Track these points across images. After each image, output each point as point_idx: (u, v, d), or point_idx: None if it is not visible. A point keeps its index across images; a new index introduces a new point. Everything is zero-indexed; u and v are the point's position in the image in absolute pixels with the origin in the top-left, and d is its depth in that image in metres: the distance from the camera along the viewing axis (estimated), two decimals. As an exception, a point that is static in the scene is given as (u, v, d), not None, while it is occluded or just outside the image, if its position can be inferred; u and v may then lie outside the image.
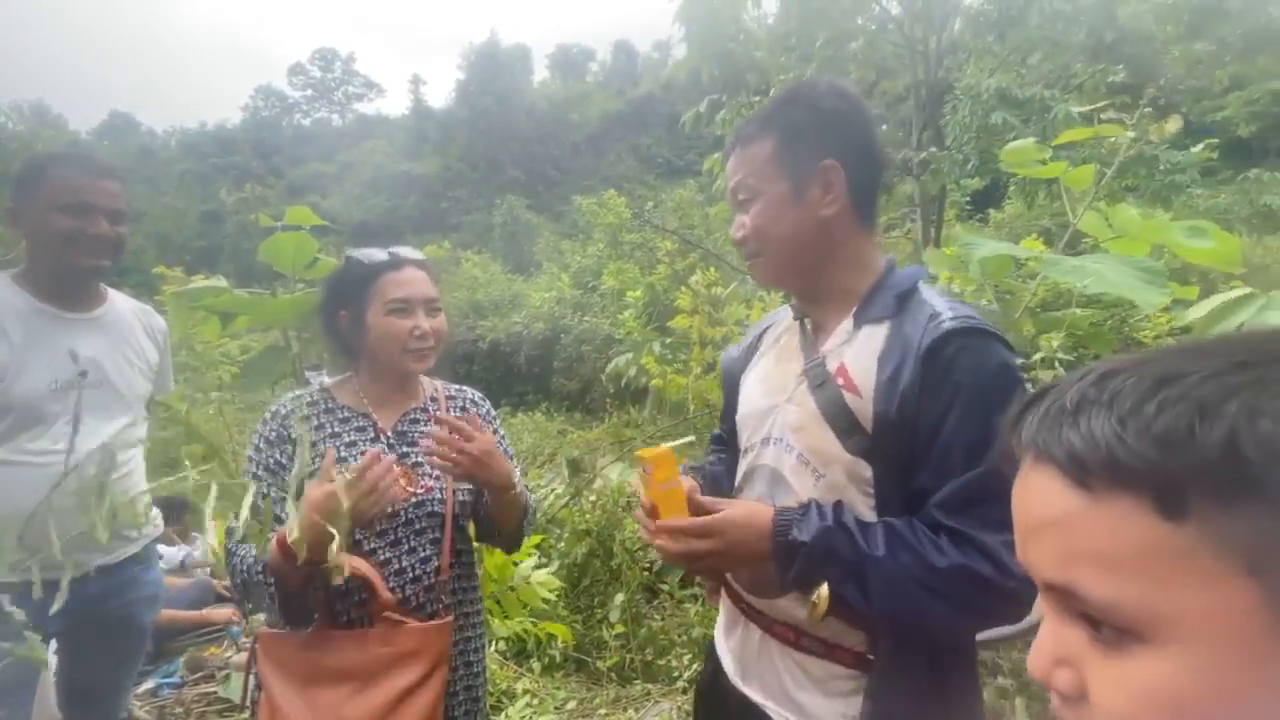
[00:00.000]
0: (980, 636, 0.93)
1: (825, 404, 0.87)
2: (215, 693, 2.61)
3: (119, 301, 1.65)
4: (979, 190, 10.65)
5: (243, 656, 2.78)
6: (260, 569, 1.08)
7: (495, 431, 1.36)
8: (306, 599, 1.10)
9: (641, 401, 6.86)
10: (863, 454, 0.85)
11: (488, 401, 1.41)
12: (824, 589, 0.81)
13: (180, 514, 3.59)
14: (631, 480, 4.09)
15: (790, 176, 0.89)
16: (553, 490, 3.88)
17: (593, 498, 3.56)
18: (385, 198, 36.71)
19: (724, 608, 1.07)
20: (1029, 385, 0.89)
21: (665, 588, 3.45)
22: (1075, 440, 0.33)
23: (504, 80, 39.71)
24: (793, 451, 0.91)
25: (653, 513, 0.89)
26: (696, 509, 0.88)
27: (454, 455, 1.13)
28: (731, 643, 1.02)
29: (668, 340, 4.68)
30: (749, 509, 0.86)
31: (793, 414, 0.92)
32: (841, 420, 0.85)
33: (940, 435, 0.80)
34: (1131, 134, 1.99)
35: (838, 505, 0.84)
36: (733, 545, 0.84)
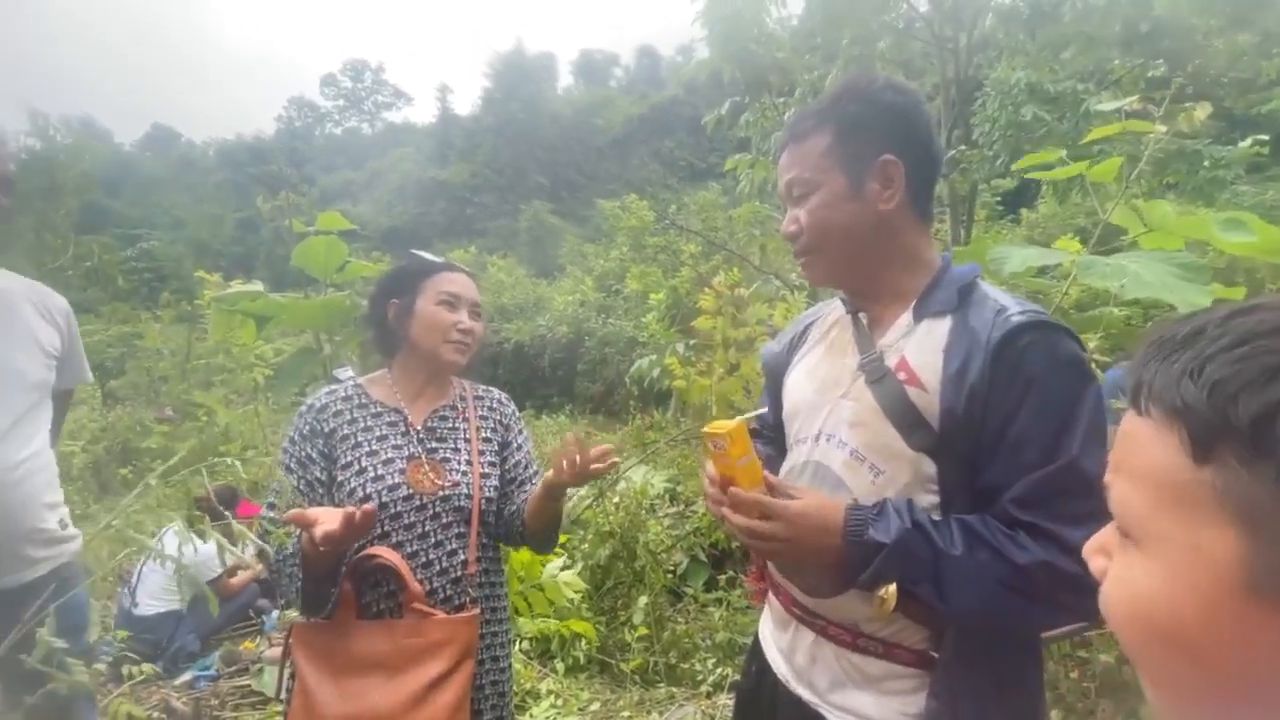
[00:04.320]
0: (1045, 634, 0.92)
1: (886, 399, 0.86)
2: (249, 685, 2.68)
3: (2, 281, 1.43)
4: (1010, 190, 10.41)
5: (276, 650, 2.85)
6: (290, 553, 1.12)
7: (520, 433, 1.39)
8: (327, 587, 1.13)
9: (664, 404, 6.86)
10: (927, 450, 0.83)
11: (512, 403, 1.44)
12: (891, 586, 0.80)
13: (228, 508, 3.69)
14: (654, 481, 4.08)
15: (848, 171, 0.88)
16: (576, 492, 3.90)
17: (616, 499, 3.57)
18: (413, 204, 37.36)
19: (771, 608, 1.05)
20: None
21: (689, 591, 3.44)
22: (1155, 372, 0.37)
23: (529, 87, 40.14)
24: (845, 448, 0.90)
25: (725, 487, 0.88)
26: (768, 487, 0.87)
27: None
28: (781, 644, 1.00)
29: (691, 342, 4.67)
30: (820, 502, 0.85)
31: (848, 409, 0.91)
32: (904, 415, 0.84)
33: (1011, 430, 0.79)
34: (1162, 127, 1.94)
35: (910, 503, 0.83)
36: (800, 536, 0.82)
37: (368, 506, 1.04)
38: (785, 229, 0.95)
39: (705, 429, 0.89)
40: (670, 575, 3.41)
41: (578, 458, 1.12)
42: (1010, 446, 0.79)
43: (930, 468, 0.83)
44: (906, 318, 0.90)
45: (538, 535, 1.32)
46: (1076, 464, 0.76)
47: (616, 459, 1.18)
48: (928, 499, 0.84)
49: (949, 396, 0.81)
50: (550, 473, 1.18)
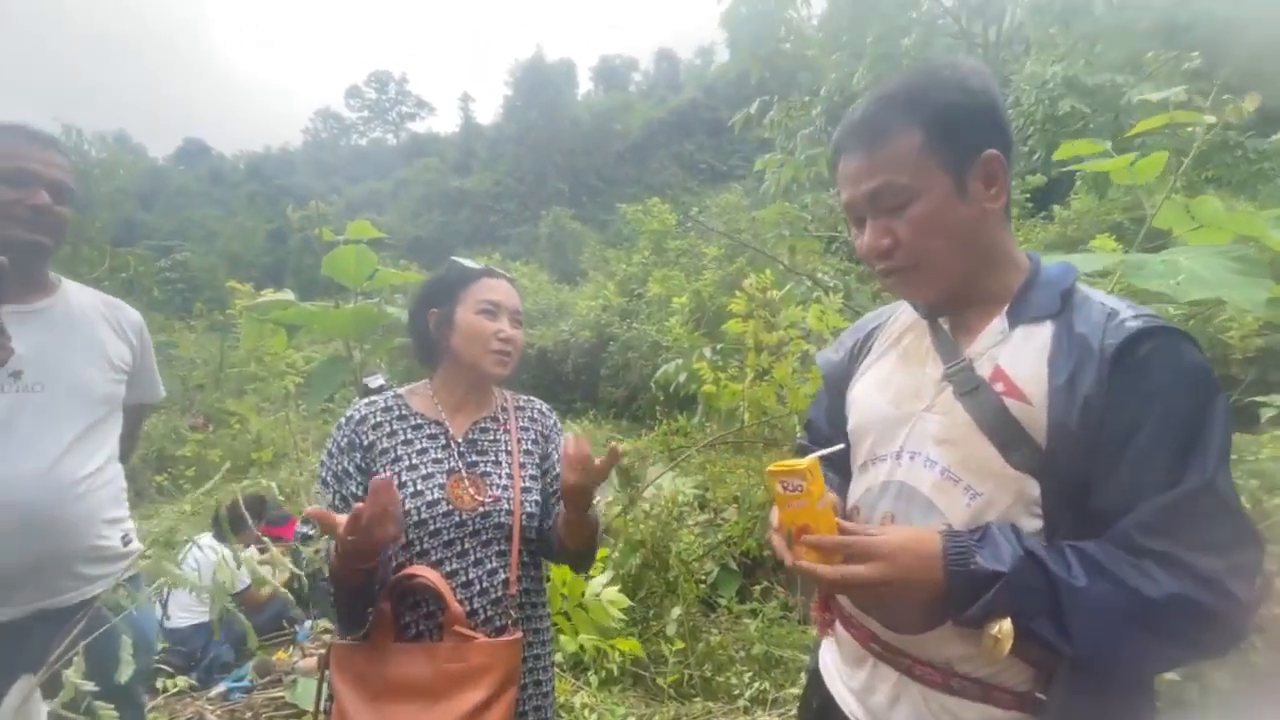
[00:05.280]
0: None
1: (981, 413, 0.78)
2: (283, 697, 2.67)
3: (74, 293, 1.41)
4: (1041, 186, 10.14)
5: (309, 661, 2.84)
6: (318, 569, 1.07)
7: (560, 446, 1.34)
8: (362, 606, 1.09)
9: (689, 409, 6.78)
10: (1030, 470, 0.75)
11: (554, 414, 1.40)
12: (1006, 623, 0.71)
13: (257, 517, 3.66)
14: (682, 488, 4.03)
15: (951, 170, 0.79)
16: (603, 499, 3.86)
17: (646, 507, 3.51)
18: (438, 213, 37.84)
19: (840, 642, 0.96)
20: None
21: (722, 601, 3.37)
22: None
23: (549, 94, 40.43)
24: (935, 467, 0.81)
25: (798, 535, 0.79)
26: (841, 530, 0.78)
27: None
28: (853, 682, 0.92)
29: (718, 346, 4.60)
30: (909, 534, 0.76)
31: (935, 424, 0.82)
32: (1004, 431, 0.76)
33: (1132, 447, 0.70)
34: (1210, 118, 1.84)
35: (1015, 528, 0.74)
36: (898, 575, 0.73)
37: (380, 480, 0.96)
38: (874, 242, 0.82)
39: (772, 468, 0.79)
40: (702, 585, 3.34)
41: (574, 451, 1.07)
42: (1131, 465, 0.70)
43: (1033, 489, 0.75)
44: (999, 323, 0.82)
45: (573, 553, 1.26)
46: (1213, 486, 0.68)
47: (621, 450, 1.10)
48: (1030, 524, 0.76)
49: (1059, 409, 0.73)
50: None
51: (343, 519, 0.96)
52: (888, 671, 0.86)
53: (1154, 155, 1.77)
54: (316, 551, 1.03)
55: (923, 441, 0.83)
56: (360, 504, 0.95)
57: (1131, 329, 0.73)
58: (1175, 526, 0.68)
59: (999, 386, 0.78)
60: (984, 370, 0.80)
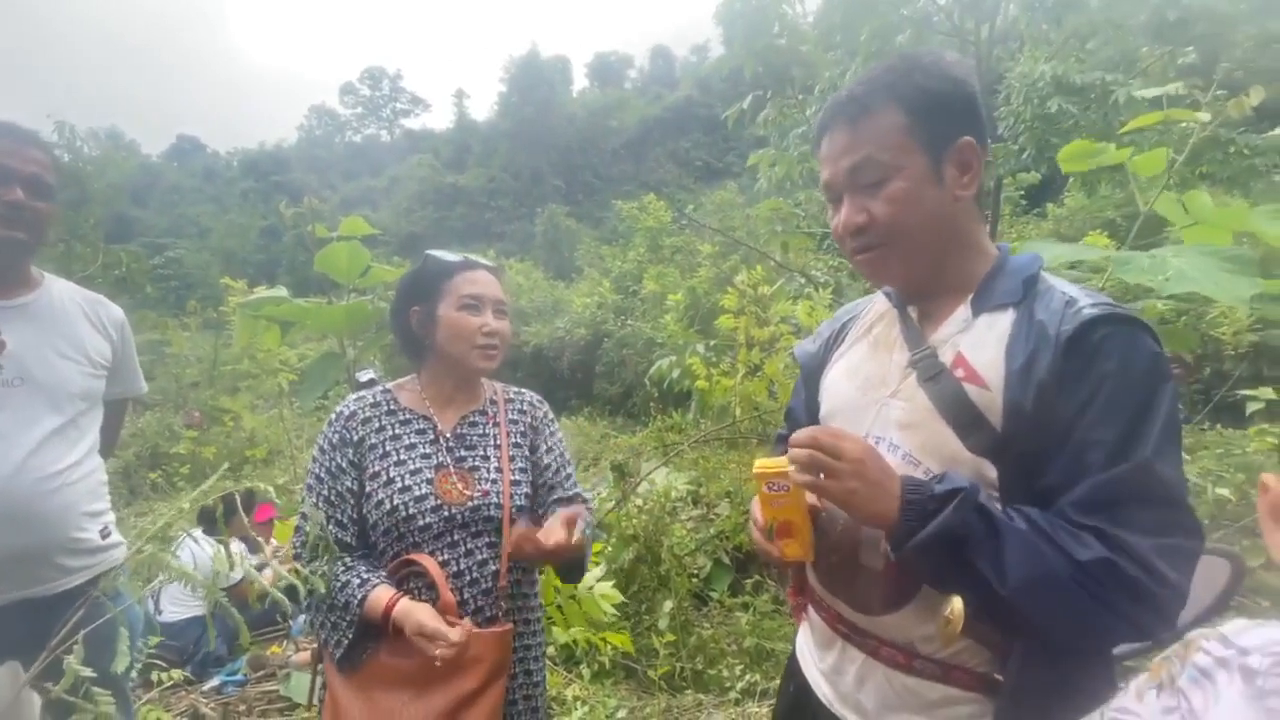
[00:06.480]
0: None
1: (941, 398, 0.80)
2: (277, 691, 2.68)
3: (57, 289, 1.43)
4: (1034, 184, 10.19)
5: (302, 655, 2.86)
6: (342, 605, 1.12)
7: (551, 435, 1.35)
8: (368, 644, 1.12)
9: (684, 405, 6.81)
10: (987, 453, 0.77)
11: (546, 404, 1.40)
12: (957, 604, 0.73)
13: (247, 511, 3.67)
14: (676, 484, 4.05)
15: (928, 153, 0.80)
16: (598, 494, 3.87)
17: (639, 502, 3.53)
18: (432, 209, 37.74)
19: (812, 625, 0.99)
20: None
21: (714, 595, 3.40)
22: None
23: (544, 91, 40.38)
24: (897, 451, 0.84)
25: (784, 531, 0.84)
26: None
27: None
28: (824, 664, 0.94)
29: (711, 342, 4.62)
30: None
31: (899, 410, 0.85)
32: (963, 416, 0.78)
33: (1078, 429, 0.72)
34: (1206, 116, 1.86)
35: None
36: (869, 460, 0.75)
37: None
38: (849, 220, 0.83)
39: (757, 469, 0.82)
40: (694, 579, 3.37)
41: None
42: (1076, 446, 0.72)
43: (990, 471, 0.77)
44: (963, 311, 0.84)
45: (560, 567, 1.27)
46: (1149, 467, 0.70)
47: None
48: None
49: (1014, 393, 0.75)
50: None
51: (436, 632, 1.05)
52: (855, 653, 0.88)
53: (1156, 150, 1.80)
54: (323, 578, 1.05)
55: (887, 427, 0.86)
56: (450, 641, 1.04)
57: (1087, 316, 0.75)
58: (1109, 504, 0.70)
59: (959, 372, 0.80)
60: (946, 357, 0.83)
